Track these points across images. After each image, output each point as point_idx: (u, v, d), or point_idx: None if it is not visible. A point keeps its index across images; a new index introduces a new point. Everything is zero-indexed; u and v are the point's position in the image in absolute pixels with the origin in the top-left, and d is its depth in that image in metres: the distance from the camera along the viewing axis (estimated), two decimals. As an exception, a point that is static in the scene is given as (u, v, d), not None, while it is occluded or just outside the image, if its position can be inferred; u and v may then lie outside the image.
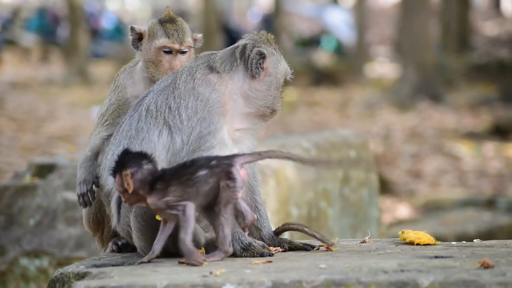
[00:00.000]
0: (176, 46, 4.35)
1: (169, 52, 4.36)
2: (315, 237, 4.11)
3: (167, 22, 4.39)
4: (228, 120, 4.01)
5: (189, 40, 4.39)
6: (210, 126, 3.96)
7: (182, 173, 3.83)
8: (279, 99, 4.17)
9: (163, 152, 3.99)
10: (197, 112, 3.97)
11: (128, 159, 3.85)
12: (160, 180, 3.84)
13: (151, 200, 3.84)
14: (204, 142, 3.94)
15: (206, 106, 3.97)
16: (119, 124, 4.15)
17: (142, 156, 3.87)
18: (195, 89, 4.00)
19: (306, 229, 4.15)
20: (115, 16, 33.65)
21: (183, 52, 4.37)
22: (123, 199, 3.90)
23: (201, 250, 3.96)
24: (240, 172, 3.85)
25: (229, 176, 3.82)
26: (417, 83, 20.74)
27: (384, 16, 35.43)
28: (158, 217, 3.89)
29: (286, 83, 4.16)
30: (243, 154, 3.92)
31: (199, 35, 4.49)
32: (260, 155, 3.96)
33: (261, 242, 4.04)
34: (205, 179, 3.82)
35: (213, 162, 3.83)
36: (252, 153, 3.98)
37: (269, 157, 3.99)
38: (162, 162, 3.98)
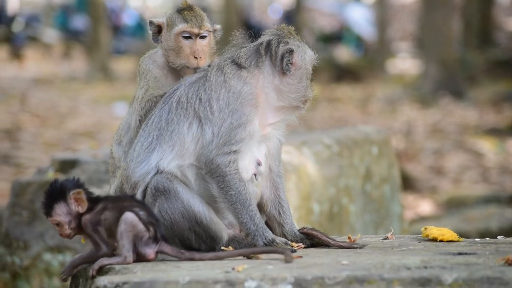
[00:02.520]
0: (195, 30, 4.39)
1: (189, 37, 4.40)
2: (342, 247, 4.07)
3: (184, 9, 4.46)
4: (260, 113, 4.00)
5: (207, 25, 4.43)
6: (242, 118, 3.94)
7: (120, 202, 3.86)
8: (310, 87, 4.16)
9: (191, 144, 3.99)
10: (229, 104, 3.96)
11: (66, 183, 3.89)
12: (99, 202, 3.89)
13: (85, 218, 3.87)
14: (235, 135, 3.93)
15: (238, 98, 3.97)
16: (148, 117, 4.17)
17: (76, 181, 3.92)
18: (227, 82, 4.01)
19: (331, 242, 4.09)
20: (136, 12, 33.72)
21: (202, 37, 4.41)
22: (66, 231, 3.91)
23: (227, 248, 3.95)
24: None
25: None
26: (439, 79, 20.63)
27: (406, 12, 35.26)
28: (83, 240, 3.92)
29: (314, 68, 4.16)
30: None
31: (218, 26, 4.53)
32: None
33: (283, 239, 4.03)
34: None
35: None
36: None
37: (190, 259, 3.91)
38: (191, 155, 3.98)
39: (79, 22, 30.57)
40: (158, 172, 4.00)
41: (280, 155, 4.14)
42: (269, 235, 3.97)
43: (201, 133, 3.97)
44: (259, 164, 4.04)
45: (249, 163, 4.00)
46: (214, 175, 3.93)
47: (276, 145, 4.08)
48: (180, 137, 3.98)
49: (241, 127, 3.93)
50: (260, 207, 4.12)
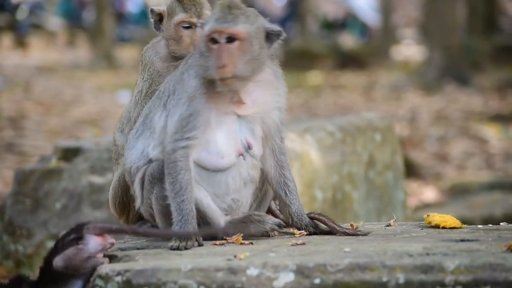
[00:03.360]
0: (195, 20, 4.35)
1: (189, 27, 4.37)
2: (347, 234, 4.07)
3: None
4: (213, 99, 3.95)
5: (207, 13, 4.37)
6: (190, 108, 3.92)
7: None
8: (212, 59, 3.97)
9: (161, 134, 4.00)
10: (180, 97, 3.96)
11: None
12: None
13: None
14: (186, 124, 3.92)
15: (185, 90, 3.96)
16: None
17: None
18: (183, 74, 4.00)
19: (337, 228, 4.09)
20: (140, 0, 33.67)
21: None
22: None
23: (237, 236, 3.95)
24: (95, 238, 3.75)
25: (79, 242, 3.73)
26: (443, 66, 20.58)
27: (410, -2, 35.16)
28: None
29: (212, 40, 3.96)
30: (97, 224, 3.78)
31: None
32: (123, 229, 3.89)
33: (196, 243, 3.89)
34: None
35: (60, 244, 3.76)
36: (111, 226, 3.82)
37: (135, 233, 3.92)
38: (156, 145, 3.99)
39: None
40: (151, 159, 4.01)
41: (280, 133, 4.10)
42: (190, 230, 3.88)
43: (165, 124, 3.97)
44: (249, 146, 4.02)
45: (226, 147, 3.97)
46: (165, 162, 3.92)
47: (273, 125, 4.06)
48: (155, 126, 4.00)
49: (191, 116, 3.90)
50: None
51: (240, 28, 3.85)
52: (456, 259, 3.41)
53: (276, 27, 3.96)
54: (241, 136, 3.99)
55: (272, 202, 4.27)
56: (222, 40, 3.86)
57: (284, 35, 3.97)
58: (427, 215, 4.24)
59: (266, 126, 4.06)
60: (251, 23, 3.89)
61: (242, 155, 3.98)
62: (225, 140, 3.96)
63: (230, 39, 3.86)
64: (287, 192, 4.08)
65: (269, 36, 3.95)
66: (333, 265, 3.43)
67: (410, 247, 3.63)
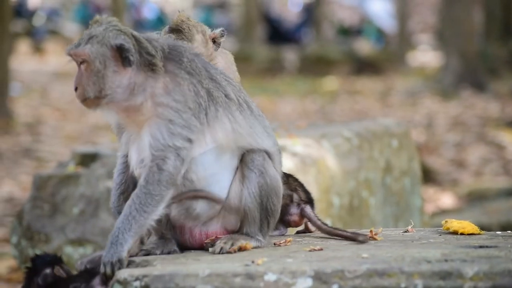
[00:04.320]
0: None
1: None
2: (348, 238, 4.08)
3: (172, 31, 4.30)
4: None
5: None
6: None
7: None
8: None
9: None
10: None
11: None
12: None
13: None
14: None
15: None
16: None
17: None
18: None
19: (339, 232, 4.11)
20: (156, 6, 33.79)
21: None
22: None
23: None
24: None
25: None
26: (460, 72, 20.52)
27: (426, 4, 35.10)
28: None
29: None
30: None
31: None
32: None
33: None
34: None
35: None
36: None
37: None
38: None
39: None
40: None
41: (153, 148, 3.86)
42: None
43: None
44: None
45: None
46: None
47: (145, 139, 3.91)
48: None
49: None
50: None
51: (83, 50, 3.80)
52: (475, 266, 3.39)
53: (122, 43, 3.83)
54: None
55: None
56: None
57: (131, 51, 3.83)
58: (445, 221, 4.23)
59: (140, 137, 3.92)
60: (98, 44, 3.81)
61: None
62: (134, 149, 3.92)
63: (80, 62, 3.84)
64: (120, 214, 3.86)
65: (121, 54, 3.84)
66: (351, 271, 3.42)
67: (428, 253, 3.62)
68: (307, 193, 4.36)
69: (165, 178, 3.76)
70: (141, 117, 3.83)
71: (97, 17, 3.94)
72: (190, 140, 3.80)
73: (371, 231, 4.11)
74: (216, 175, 3.90)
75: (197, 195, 3.88)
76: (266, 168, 3.94)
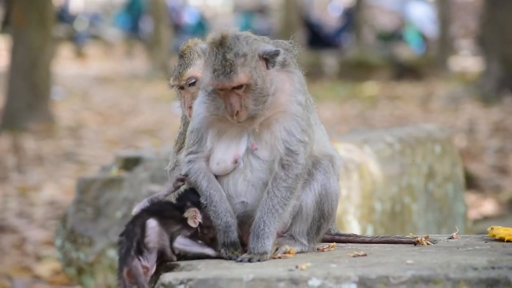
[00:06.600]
0: (177, 82, 4.38)
1: (181, 88, 4.39)
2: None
3: (179, 56, 4.43)
4: None
5: (189, 73, 4.35)
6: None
7: None
8: None
9: None
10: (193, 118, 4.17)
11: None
12: None
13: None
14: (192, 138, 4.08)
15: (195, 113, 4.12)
16: None
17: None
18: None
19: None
20: (197, 11, 33.94)
21: (190, 84, 4.35)
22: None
23: None
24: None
25: None
26: (501, 77, 20.31)
27: (468, 9, 34.81)
28: None
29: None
30: None
31: (267, 49, 4.36)
32: None
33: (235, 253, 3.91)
34: None
35: None
36: None
37: None
38: None
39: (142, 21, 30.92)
40: None
41: (287, 143, 3.93)
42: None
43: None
44: (253, 149, 3.98)
45: (222, 154, 3.98)
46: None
47: (276, 133, 3.94)
48: None
49: (197, 132, 4.09)
50: None
51: (241, 77, 3.82)
52: (522, 273, 3.36)
53: (270, 49, 3.89)
54: (246, 141, 3.95)
55: None
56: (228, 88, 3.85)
57: (281, 52, 3.91)
58: (491, 228, 4.19)
59: (270, 132, 3.96)
60: (249, 62, 3.83)
61: (237, 160, 3.93)
62: (223, 148, 3.95)
63: (236, 87, 3.85)
64: (260, 209, 3.89)
65: (267, 59, 3.89)
66: (396, 277, 3.40)
67: (474, 260, 3.58)
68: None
69: (300, 172, 3.90)
70: (268, 114, 3.90)
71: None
72: (310, 137, 3.95)
73: (417, 238, 4.09)
74: None
75: None
76: (331, 171, 4.02)
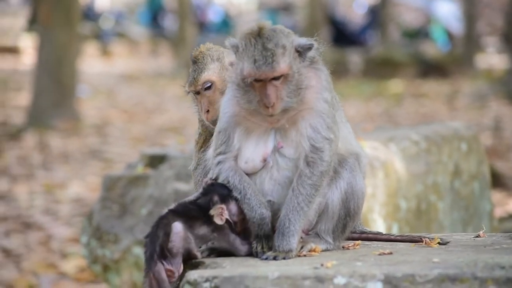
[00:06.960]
0: (192, 88, 4.38)
1: (197, 93, 4.40)
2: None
3: (192, 62, 4.43)
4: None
5: (204, 77, 4.35)
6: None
7: None
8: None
9: None
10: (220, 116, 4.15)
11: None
12: None
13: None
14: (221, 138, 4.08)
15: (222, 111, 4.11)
16: None
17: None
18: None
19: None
20: (221, 9, 33.98)
21: (206, 89, 4.36)
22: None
23: None
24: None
25: None
26: (527, 75, 20.17)
27: (494, 6, 34.57)
28: None
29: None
30: None
31: (302, 42, 4.32)
32: None
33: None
34: None
35: None
36: None
37: None
38: None
39: (166, 19, 31.02)
40: None
41: (313, 141, 3.92)
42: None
43: None
44: (280, 148, 3.98)
45: (250, 153, 3.98)
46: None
47: (303, 131, 3.94)
48: None
49: (225, 131, 4.09)
50: None
51: (282, 66, 3.83)
52: (550, 272, 3.33)
53: (306, 42, 3.90)
54: (273, 140, 3.95)
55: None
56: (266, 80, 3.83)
57: (315, 46, 3.92)
58: (518, 226, 4.16)
59: (296, 129, 3.96)
60: (288, 53, 3.85)
61: (266, 159, 3.93)
62: (251, 146, 3.95)
63: (274, 78, 3.84)
64: (285, 206, 3.88)
65: (300, 51, 3.91)
66: (422, 276, 3.39)
67: (502, 259, 3.55)
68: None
69: (325, 169, 3.89)
70: (296, 110, 3.90)
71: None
72: (336, 135, 3.93)
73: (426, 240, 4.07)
74: None
75: None
76: (357, 169, 4.01)
